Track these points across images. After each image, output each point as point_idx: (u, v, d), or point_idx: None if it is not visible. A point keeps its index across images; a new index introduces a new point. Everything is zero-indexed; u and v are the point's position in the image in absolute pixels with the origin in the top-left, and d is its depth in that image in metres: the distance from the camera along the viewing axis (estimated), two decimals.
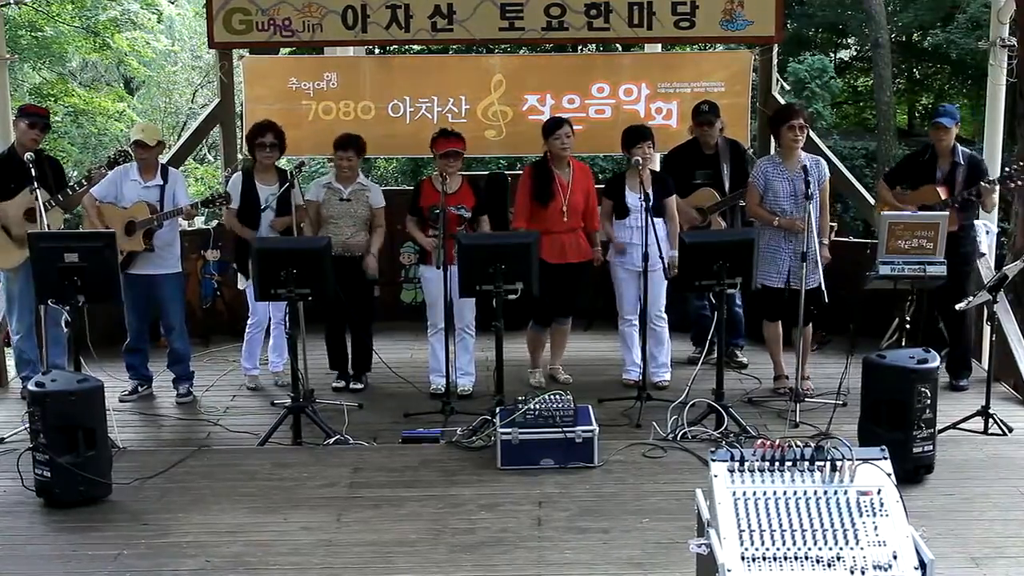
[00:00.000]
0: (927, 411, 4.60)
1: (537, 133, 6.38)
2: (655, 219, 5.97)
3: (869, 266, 5.83)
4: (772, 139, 7.17)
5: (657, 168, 6.94)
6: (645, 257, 5.76)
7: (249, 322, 6.45)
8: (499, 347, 5.39)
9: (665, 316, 6.33)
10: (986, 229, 6.87)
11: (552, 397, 4.92)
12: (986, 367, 5.90)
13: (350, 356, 6.55)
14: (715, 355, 5.65)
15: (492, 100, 8.17)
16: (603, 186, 6.54)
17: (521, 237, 5.80)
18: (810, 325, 6.03)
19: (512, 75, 8.20)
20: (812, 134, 6.54)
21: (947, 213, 5.72)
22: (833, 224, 7.11)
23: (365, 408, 6.04)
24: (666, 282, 6.13)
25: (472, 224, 6.18)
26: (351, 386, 6.46)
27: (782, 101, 7.97)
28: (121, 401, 6.18)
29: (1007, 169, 6.16)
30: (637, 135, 6.12)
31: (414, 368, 6.68)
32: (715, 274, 5.20)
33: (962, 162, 6.14)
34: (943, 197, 6.10)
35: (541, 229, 5.98)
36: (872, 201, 7.54)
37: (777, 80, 8.23)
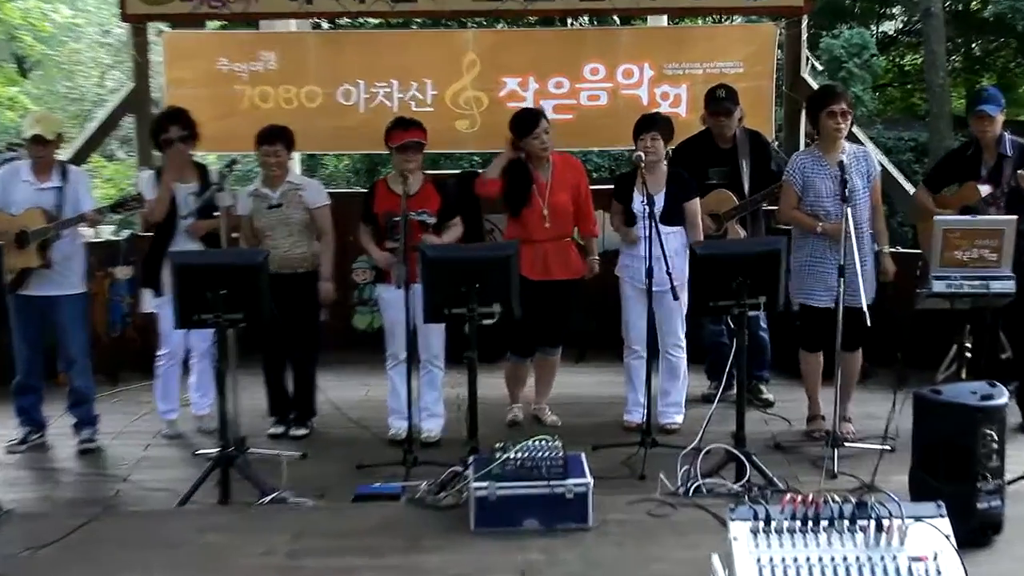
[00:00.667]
0: (993, 458, 4.58)
1: None
2: (674, 227, 5.99)
3: (921, 281, 5.84)
4: (804, 129, 7.22)
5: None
6: (649, 273, 5.76)
7: (159, 353, 6.41)
8: (472, 383, 5.36)
9: (684, 345, 6.34)
10: None
11: (537, 444, 4.88)
12: None
13: (291, 395, 6.51)
14: (734, 391, 5.64)
15: (464, 84, 8.21)
16: (612, 187, 6.52)
17: (498, 249, 5.79)
18: (859, 351, 6.02)
19: (488, 54, 8.25)
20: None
21: (1014, 218, 5.72)
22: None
23: (309, 458, 6.00)
24: (686, 304, 6.11)
25: (439, 230, 6.15)
26: (292, 432, 6.44)
27: (813, 84, 8.03)
28: (9, 452, 6.14)
29: None
30: (640, 125, 6.19)
31: (369, 409, 6.66)
32: (734, 293, 5.20)
33: (1010, 153, 6.15)
34: (983, 195, 6.12)
35: (520, 238, 5.99)
36: None
37: (807, 59, 8.31)
